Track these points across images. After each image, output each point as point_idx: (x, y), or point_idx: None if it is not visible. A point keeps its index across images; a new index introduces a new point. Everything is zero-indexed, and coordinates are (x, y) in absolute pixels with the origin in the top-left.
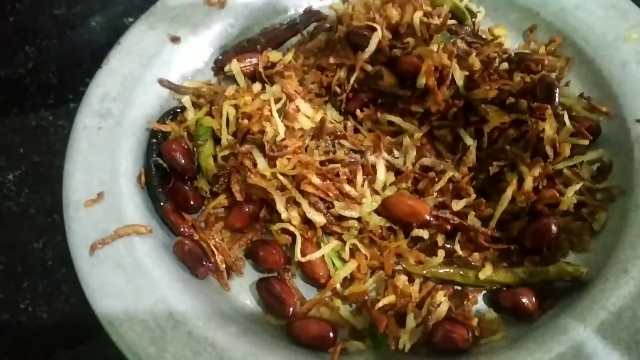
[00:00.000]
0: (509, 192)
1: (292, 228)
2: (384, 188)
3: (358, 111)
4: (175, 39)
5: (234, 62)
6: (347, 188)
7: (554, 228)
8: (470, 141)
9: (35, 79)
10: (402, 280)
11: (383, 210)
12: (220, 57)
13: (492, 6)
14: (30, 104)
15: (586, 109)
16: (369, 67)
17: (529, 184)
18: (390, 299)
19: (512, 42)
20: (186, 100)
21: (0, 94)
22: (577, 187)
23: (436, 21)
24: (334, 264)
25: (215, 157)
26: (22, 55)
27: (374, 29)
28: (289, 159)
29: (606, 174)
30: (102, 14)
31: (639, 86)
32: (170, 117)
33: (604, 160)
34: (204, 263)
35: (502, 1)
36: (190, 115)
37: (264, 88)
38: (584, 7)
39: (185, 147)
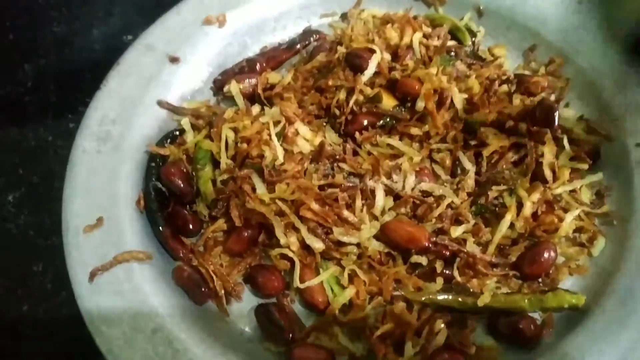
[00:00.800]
0: (508, 218)
1: (291, 254)
2: (383, 213)
3: (357, 134)
4: (174, 60)
5: (233, 83)
6: (346, 214)
7: (552, 254)
8: (469, 165)
9: (34, 98)
10: (400, 307)
11: (382, 235)
12: (219, 77)
13: (492, 25)
14: (30, 124)
15: (585, 132)
16: (368, 90)
17: (528, 209)
18: (389, 326)
19: (512, 62)
20: (185, 122)
21: None
22: (576, 212)
23: (436, 42)
24: (332, 290)
25: (214, 182)
26: (21, 73)
27: (373, 51)
28: (287, 184)
29: (605, 198)
30: (100, 30)
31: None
32: (169, 140)
33: (603, 184)
34: (203, 289)
35: (502, 20)
36: (190, 137)
37: (263, 110)
38: (585, 27)
39: (184, 170)
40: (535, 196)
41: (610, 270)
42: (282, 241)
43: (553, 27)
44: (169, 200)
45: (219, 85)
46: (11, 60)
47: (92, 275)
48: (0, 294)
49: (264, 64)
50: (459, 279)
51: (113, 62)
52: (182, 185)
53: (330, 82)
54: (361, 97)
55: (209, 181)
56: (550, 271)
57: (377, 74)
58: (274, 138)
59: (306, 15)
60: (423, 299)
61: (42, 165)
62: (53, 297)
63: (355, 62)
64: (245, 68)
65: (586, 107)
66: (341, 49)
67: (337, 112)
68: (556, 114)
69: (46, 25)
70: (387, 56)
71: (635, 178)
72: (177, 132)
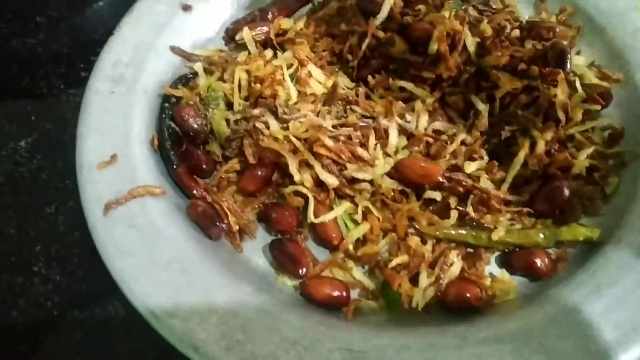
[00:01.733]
0: (521, 155)
1: (304, 190)
2: (397, 151)
3: (370, 78)
4: (186, 7)
5: (246, 30)
6: (360, 151)
7: (566, 191)
8: (482, 106)
9: (46, 49)
10: (415, 241)
11: (395, 173)
12: (231, 26)
13: None
14: (42, 73)
15: (597, 77)
16: (381, 34)
17: (541, 147)
18: (403, 258)
19: (523, 12)
20: (198, 66)
21: (12, 63)
22: (589, 150)
23: None
24: (346, 225)
25: (227, 122)
26: (34, 26)
27: None
28: (301, 122)
29: (618, 140)
30: None
31: None
32: (183, 82)
33: (615, 127)
34: (217, 224)
35: None
36: (202, 81)
37: (275, 55)
38: None
39: (198, 111)
40: (549, 135)
41: (624, 207)
42: (296, 178)
43: None
44: (183, 140)
45: (231, 34)
46: (23, 14)
47: (107, 208)
48: (13, 234)
49: (276, 13)
50: (473, 214)
51: (123, 14)
52: (195, 125)
53: (342, 27)
54: (373, 42)
55: (222, 121)
56: (564, 208)
57: (389, 18)
58: (287, 78)
59: None
60: (437, 233)
61: (55, 112)
62: (65, 237)
63: (367, 7)
64: (257, 17)
65: (597, 54)
66: None
67: (350, 57)
68: (569, 56)
69: None
70: (399, 1)
71: None
72: (191, 76)
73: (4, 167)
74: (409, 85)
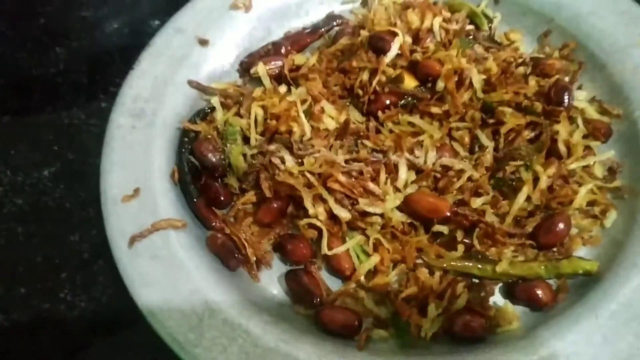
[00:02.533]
0: (525, 190)
1: (318, 223)
2: (406, 186)
3: (380, 112)
4: (203, 42)
5: (260, 64)
6: (371, 186)
7: (567, 225)
8: (487, 142)
9: (66, 79)
10: (423, 273)
11: (405, 207)
12: (245, 60)
13: (508, 11)
14: (63, 103)
15: (598, 112)
16: (391, 71)
17: (543, 182)
18: (412, 289)
19: (527, 47)
20: (215, 100)
21: (34, 93)
22: (590, 186)
23: (455, 26)
24: (358, 257)
25: (244, 156)
26: (53, 56)
27: (395, 34)
28: (315, 158)
29: (617, 174)
30: (128, 15)
31: None
32: (201, 116)
33: (614, 161)
34: (236, 256)
35: (517, 6)
36: (219, 115)
37: (289, 90)
38: (597, 13)
39: (216, 146)
40: (551, 170)
41: (621, 240)
42: (311, 211)
43: (566, 13)
44: (202, 174)
45: (245, 67)
46: (43, 43)
47: (132, 241)
48: (39, 262)
49: (289, 47)
50: (478, 247)
51: (141, 45)
52: (214, 159)
53: (354, 64)
54: (383, 78)
55: (239, 155)
56: (565, 241)
57: (398, 55)
58: (302, 115)
59: (328, 1)
60: (444, 265)
61: (76, 142)
62: (90, 265)
63: (378, 44)
64: (271, 51)
65: (598, 89)
66: (364, 33)
67: (361, 92)
68: (570, 93)
69: (75, 10)
70: (409, 39)
71: None
72: (208, 110)
73: (28, 197)
74: (417, 121)
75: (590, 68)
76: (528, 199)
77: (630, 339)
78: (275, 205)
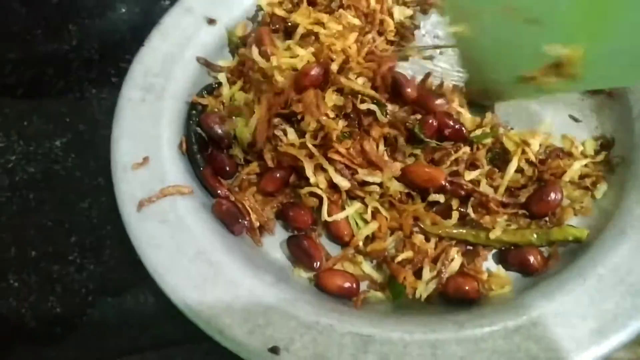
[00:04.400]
0: (515, 160)
1: (319, 191)
2: (404, 157)
3: None
4: (211, 21)
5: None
6: (372, 152)
7: (558, 194)
8: None
9: (78, 55)
10: (419, 238)
11: (402, 177)
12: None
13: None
14: (75, 78)
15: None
16: None
17: (533, 150)
18: (408, 254)
19: None
20: (222, 76)
21: (47, 68)
22: (583, 162)
23: None
24: (357, 224)
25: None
26: (66, 33)
27: None
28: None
29: (608, 149)
30: None
31: None
32: (208, 91)
33: (606, 137)
34: (240, 221)
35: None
36: (226, 90)
37: None
38: None
39: (222, 118)
40: (537, 141)
41: (611, 210)
42: (312, 180)
43: None
44: (208, 145)
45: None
46: (56, 21)
47: (141, 205)
48: (50, 226)
49: None
50: (473, 215)
51: (151, 24)
52: (220, 131)
53: None
54: None
55: (244, 128)
56: (557, 211)
57: None
58: None
59: None
60: (440, 232)
61: (87, 114)
62: (98, 230)
63: None
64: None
65: None
66: None
67: None
68: None
69: None
70: None
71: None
72: (215, 85)
73: (41, 165)
74: None
75: None
76: (522, 172)
77: (616, 300)
78: (278, 174)
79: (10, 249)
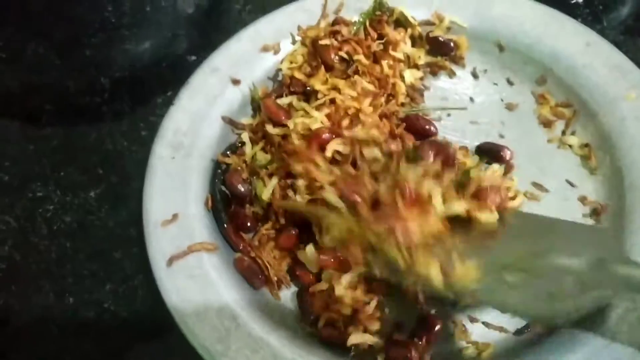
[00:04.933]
0: None
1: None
2: None
3: None
4: (235, 82)
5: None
6: None
7: None
8: None
9: (110, 107)
10: None
11: None
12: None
13: (511, 60)
14: (107, 130)
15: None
16: None
17: None
18: None
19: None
20: (245, 136)
21: (81, 120)
22: None
23: None
24: None
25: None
26: (99, 85)
27: None
28: None
29: (600, 215)
30: (168, 49)
31: (635, 139)
32: (232, 150)
33: (600, 203)
34: (260, 276)
35: (519, 55)
36: (248, 150)
37: None
38: (591, 65)
39: (244, 177)
40: None
41: None
42: (317, 237)
43: (564, 64)
44: (231, 202)
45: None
46: (90, 74)
47: (171, 261)
48: (86, 275)
49: None
50: None
51: (179, 78)
52: (242, 189)
53: None
54: None
55: (263, 187)
56: None
57: None
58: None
59: None
60: None
61: (119, 166)
62: (131, 279)
63: None
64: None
65: (589, 136)
66: None
67: None
68: None
69: (119, 43)
70: None
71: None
72: (239, 144)
73: (77, 215)
74: None
75: (583, 115)
76: None
77: None
78: (293, 232)
79: (49, 296)
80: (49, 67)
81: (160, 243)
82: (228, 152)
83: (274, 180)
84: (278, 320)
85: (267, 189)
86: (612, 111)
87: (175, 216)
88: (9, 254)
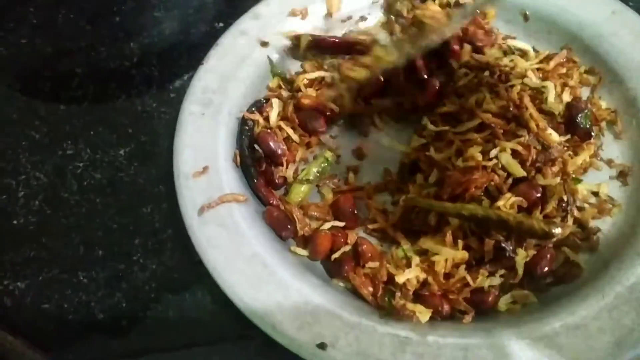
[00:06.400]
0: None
1: None
2: None
3: None
4: (264, 44)
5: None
6: None
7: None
8: None
9: (139, 71)
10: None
11: None
12: None
13: (536, 28)
14: (136, 92)
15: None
16: None
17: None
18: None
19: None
20: (275, 102)
21: (110, 83)
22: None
23: None
24: None
25: None
26: (128, 50)
27: None
28: None
29: (627, 177)
30: (195, 17)
31: None
32: (257, 107)
33: (626, 165)
34: (288, 226)
35: (544, 24)
36: (274, 116)
37: None
38: (617, 34)
39: (277, 138)
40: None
41: (628, 232)
42: None
43: (589, 32)
44: (262, 159)
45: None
46: (118, 38)
47: (202, 210)
48: (115, 228)
49: None
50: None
51: (206, 44)
52: (274, 149)
53: None
54: None
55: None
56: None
57: None
58: None
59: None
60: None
61: (148, 127)
62: (160, 233)
63: None
64: None
65: (615, 101)
66: None
67: None
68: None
69: (148, 11)
70: None
71: None
72: (263, 101)
73: (106, 172)
74: None
75: (608, 82)
76: None
77: (633, 316)
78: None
79: (79, 248)
80: (79, 33)
81: (191, 193)
82: (254, 109)
83: None
84: (307, 269)
85: None
86: (638, 77)
87: (205, 168)
88: (39, 207)
